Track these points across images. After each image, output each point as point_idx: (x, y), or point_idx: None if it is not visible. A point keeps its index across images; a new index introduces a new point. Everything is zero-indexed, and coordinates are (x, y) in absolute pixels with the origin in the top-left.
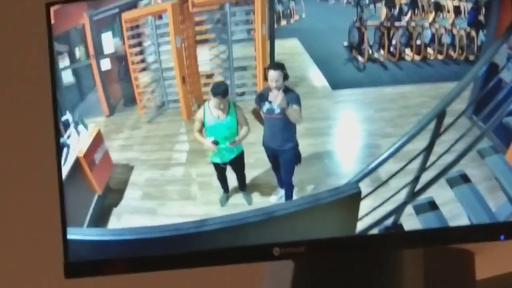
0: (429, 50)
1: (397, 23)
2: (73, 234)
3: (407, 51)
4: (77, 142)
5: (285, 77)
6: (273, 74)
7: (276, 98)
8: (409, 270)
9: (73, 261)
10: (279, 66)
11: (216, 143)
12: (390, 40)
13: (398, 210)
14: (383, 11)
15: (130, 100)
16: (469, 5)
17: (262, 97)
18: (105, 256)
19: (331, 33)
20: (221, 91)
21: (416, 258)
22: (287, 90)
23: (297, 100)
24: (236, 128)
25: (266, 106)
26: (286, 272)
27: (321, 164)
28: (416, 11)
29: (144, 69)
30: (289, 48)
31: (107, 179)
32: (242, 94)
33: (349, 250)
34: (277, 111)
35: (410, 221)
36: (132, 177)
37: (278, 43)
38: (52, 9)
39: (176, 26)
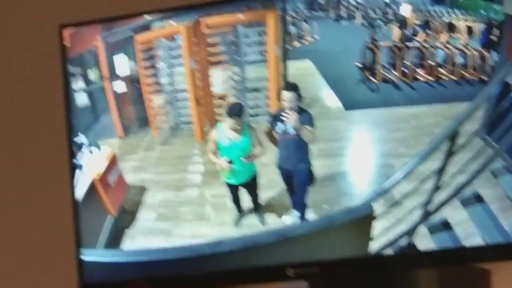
0: (442, 70)
1: (409, 44)
2: (88, 255)
3: (420, 71)
4: (90, 164)
5: (299, 98)
6: (287, 95)
7: (290, 119)
8: None
9: (88, 283)
10: (294, 87)
11: (230, 162)
12: (403, 61)
13: (411, 230)
14: (395, 31)
15: (144, 122)
16: (482, 26)
17: (276, 118)
18: (120, 278)
19: (344, 53)
20: (236, 111)
21: (432, 277)
22: (300, 111)
23: (310, 121)
24: (250, 149)
25: (280, 126)
26: None
27: (335, 185)
28: (428, 32)
29: (157, 91)
30: (302, 69)
31: (121, 201)
32: (256, 115)
33: (363, 270)
34: (291, 131)
35: (424, 241)
36: (146, 199)
37: (291, 64)
38: (66, 32)
39: (189, 48)
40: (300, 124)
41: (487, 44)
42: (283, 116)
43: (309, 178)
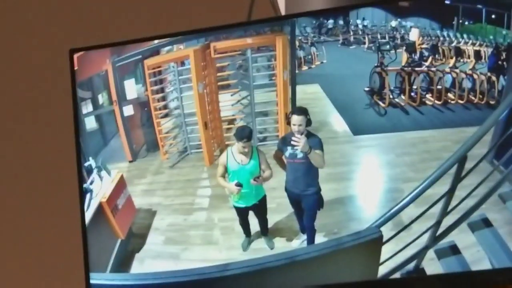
0: (450, 95)
1: (417, 68)
2: (97, 279)
3: (428, 96)
4: (100, 188)
5: (308, 122)
6: (296, 118)
7: (299, 142)
8: None
9: None
10: (303, 111)
11: (239, 185)
12: (411, 85)
13: (419, 254)
14: (403, 56)
15: (153, 146)
16: (490, 50)
17: (284, 142)
18: None
19: (352, 78)
20: (246, 134)
21: None
22: (309, 135)
23: (319, 145)
24: (259, 173)
25: (289, 150)
26: None
27: (343, 209)
28: (436, 56)
29: (166, 115)
30: (310, 93)
31: (130, 224)
32: (264, 139)
33: None
34: (300, 155)
35: (432, 266)
36: (155, 222)
37: (299, 88)
38: (75, 56)
39: (198, 72)
40: (309, 148)
41: (495, 68)
42: (292, 140)
43: (318, 202)
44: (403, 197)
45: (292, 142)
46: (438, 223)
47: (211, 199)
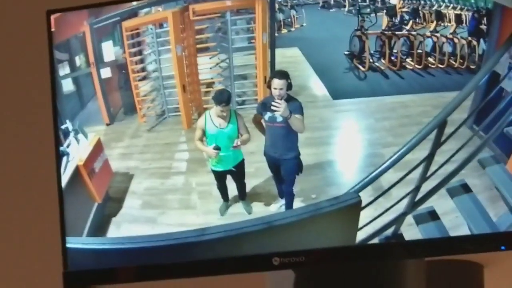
0: (430, 59)
1: (398, 32)
2: (73, 243)
3: (408, 60)
4: (76, 151)
5: (289, 86)
6: (278, 82)
7: (279, 107)
8: (413, 281)
9: (73, 270)
10: (285, 75)
11: (218, 148)
12: (391, 49)
13: (398, 220)
14: (384, 20)
15: (130, 109)
16: (471, 14)
17: (264, 106)
18: (105, 265)
19: (332, 41)
20: (225, 98)
21: (421, 269)
22: (289, 99)
23: (300, 109)
24: (237, 137)
25: (268, 114)
26: (287, 282)
27: (322, 174)
28: (417, 20)
29: (144, 78)
30: (290, 57)
31: (106, 188)
32: (243, 103)
33: (350, 259)
34: (280, 119)
35: (411, 231)
36: (132, 186)
37: (279, 51)
38: (52, 17)
39: (176, 34)
40: (289, 112)
41: (476, 33)
42: (272, 105)
43: (297, 166)
44: (383, 162)
45: (272, 107)
46: (417, 189)
47: (189, 163)
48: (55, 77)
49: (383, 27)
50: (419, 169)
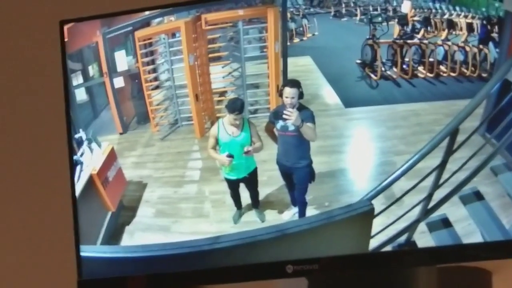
0: (442, 67)
1: (410, 41)
2: (87, 251)
3: (420, 68)
4: (90, 160)
5: (301, 95)
6: (289, 91)
7: (291, 116)
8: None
9: (87, 279)
10: (296, 84)
11: (231, 156)
12: (403, 58)
13: (411, 228)
14: (395, 28)
15: (143, 118)
16: (481, 22)
17: (276, 115)
18: (119, 274)
19: (344, 50)
20: (238, 107)
21: (432, 276)
22: (301, 108)
23: (311, 118)
24: (250, 145)
25: (280, 123)
26: None
27: (334, 182)
28: (428, 29)
29: (157, 87)
30: (302, 66)
31: (120, 197)
32: (255, 111)
33: (362, 267)
34: (291, 128)
35: (424, 239)
36: (145, 195)
37: (291, 60)
38: (66, 27)
39: (189, 44)
40: (301, 121)
41: (487, 41)
42: (284, 114)
43: (310, 175)
44: (395, 170)
45: (284, 116)
46: (429, 196)
47: (201, 172)
48: (69, 86)
49: (395, 36)
50: (432, 177)
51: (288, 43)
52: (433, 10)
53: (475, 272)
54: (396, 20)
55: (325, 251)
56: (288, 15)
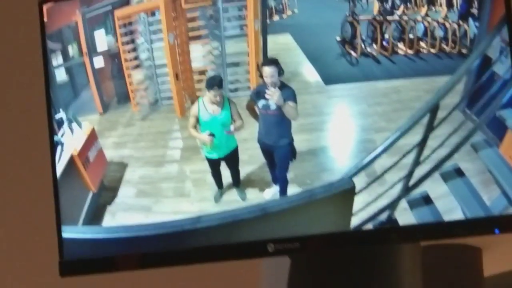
0: (422, 44)
1: (389, 17)
2: (68, 232)
3: (400, 45)
4: (71, 140)
5: (280, 72)
6: (268, 70)
7: (273, 95)
8: (409, 265)
9: (69, 260)
10: (273, 62)
11: (212, 135)
12: (382, 34)
13: (392, 205)
14: (375, 5)
15: (124, 98)
16: None
17: (258, 94)
18: (101, 254)
19: (324, 28)
20: (216, 82)
21: (417, 254)
22: (283, 86)
23: (293, 97)
24: (231, 123)
25: (262, 102)
26: (283, 268)
27: (315, 160)
28: (408, 5)
29: (137, 66)
30: (282, 44)
31: (101, 177)
32: (236, 90)
33: (345, 245)
34: (273, 107)
35: (405, 216)
36: (126, 175)
37: (270, 38)
38: (45, 7)
39: (168, 22)
40: (283, 100)
41: (467, 16)
42: (266, 93)
43: (291, 153)
44: (376, 147)
45: (266, 96)
46: (410, 173)
47: (182, 151)
48: (48, 67)
49: (375, 13)
50: (412, 154)
51: (268, 21)
52: None
53: (464, 249)
54: None
55: (307, 229)
56: None
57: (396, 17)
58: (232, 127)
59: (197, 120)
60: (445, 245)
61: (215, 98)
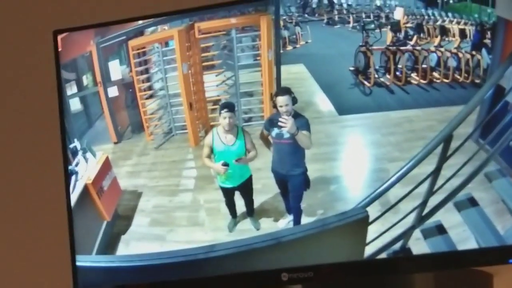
0: (435, 74)
1: (403, 47)
2: (82, 261)
3: (413, 75)
4: (85, 170)
5: (294, 101)
6: (281, 99)
7: (287, 124)
8: None
9: None
10: (287, 91)
11: (226, 164)
12: (396, 64)
13: (406, 234)
14: (388, 35)
15: (138, 127)
16: (474, 29)
17: (271, 122)
18: (114, 283)
19: (337, 58)
20: (228, 105)
21: (429, 282)
22: (296, 116)
23: (306, 126)
24: (245, 153)
25: (275, 131)
26: None
27: (329, 189)
28: (421, 35)
29: (151, 96)
30: (295, 73)
31: (115, 206)
32: (249, 119)
33: (358, 274)
34: (286, 136)
35: (419, 245)
36: (140, 204)
37: (284, 68)
38: (59, 37)
39: (182, 52)
40: (296, 129)
41: (480, 47)
42: (279, 121)
43: (304, 182)
44: (389, 177)
45: (279, 124)
46: (424, 203)
47: (196, 180)
48: (63, 96)
49: (388, 43)
50: (426, 184)
51: (281, 51)
52: (426, 17)
53: (475, 274)
54: (389, 27)
55: (320, 258)
56: (281, 23)
57: (409, 47)
58: (236, 161)
59: (211, 150)
60: (455, 271)
61: (224, 120)
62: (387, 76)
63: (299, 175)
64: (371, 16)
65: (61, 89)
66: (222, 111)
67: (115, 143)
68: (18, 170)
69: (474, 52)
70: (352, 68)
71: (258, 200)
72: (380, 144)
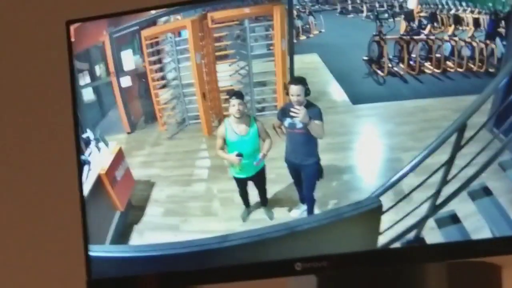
0: (449, 63)
1: (416, 37)
2: (96, 251)
3: (427, 64)
4: (98, 160)
5: (307, 91)
6: (295, 88)
7: (299, 113)
8: (434, 284)
9: (96, 278)
10: (301, 81)
11: (240, 155)
12: (409, 54)
13: (420, 224)
14: (402, 24)
15: (151, 117)
16: (488, 18)
17: (284, 112)
18: (128, 273)
19: (351, 47)
20: (235, 92)
21: (441, 272)
22: (309, 105)
23: (319, 115)
24: (258, 143)
25: (288, 121)
26: (309, 287)
27: (343, 179)
28: (435, 24)
29: (164, 86)
30: (308, 63)
31: (128, 196)
32: (262, 109)
33: (371, 264)
34: (299, 125)
35: (432, 235)
36: (154, 194)
37: (297, 58)
38: (72, 27)
39: (195, 42)
40: (308, 118)
41: (494, 36)
42: (291, 111)
43: (318, 172)
44: (403, 166)
45: (292, 113)
46: (438, 192)
47: (210, 170)
48: (76, 86)
49: (401, 32)
50: (440, 173)
51: (295, 41)
52: (440, 6)
53: (484, 266)
54: (403, 16)
55: (334, 248)
56: (294, 12)
57: (423, 36)
58: (260, 155)
59: (224, 141)
60: (464, 263)
61: (234, 107)
62: (401, 65)
63: (312, 164)
64: (385, 6)
65: (74, 79)
66: (231, 99)
67: (128, 133)
68: (31, 161)
69: (488, 41)
70: (365, 58)
71: (271, 190)
72: (394, 134)
